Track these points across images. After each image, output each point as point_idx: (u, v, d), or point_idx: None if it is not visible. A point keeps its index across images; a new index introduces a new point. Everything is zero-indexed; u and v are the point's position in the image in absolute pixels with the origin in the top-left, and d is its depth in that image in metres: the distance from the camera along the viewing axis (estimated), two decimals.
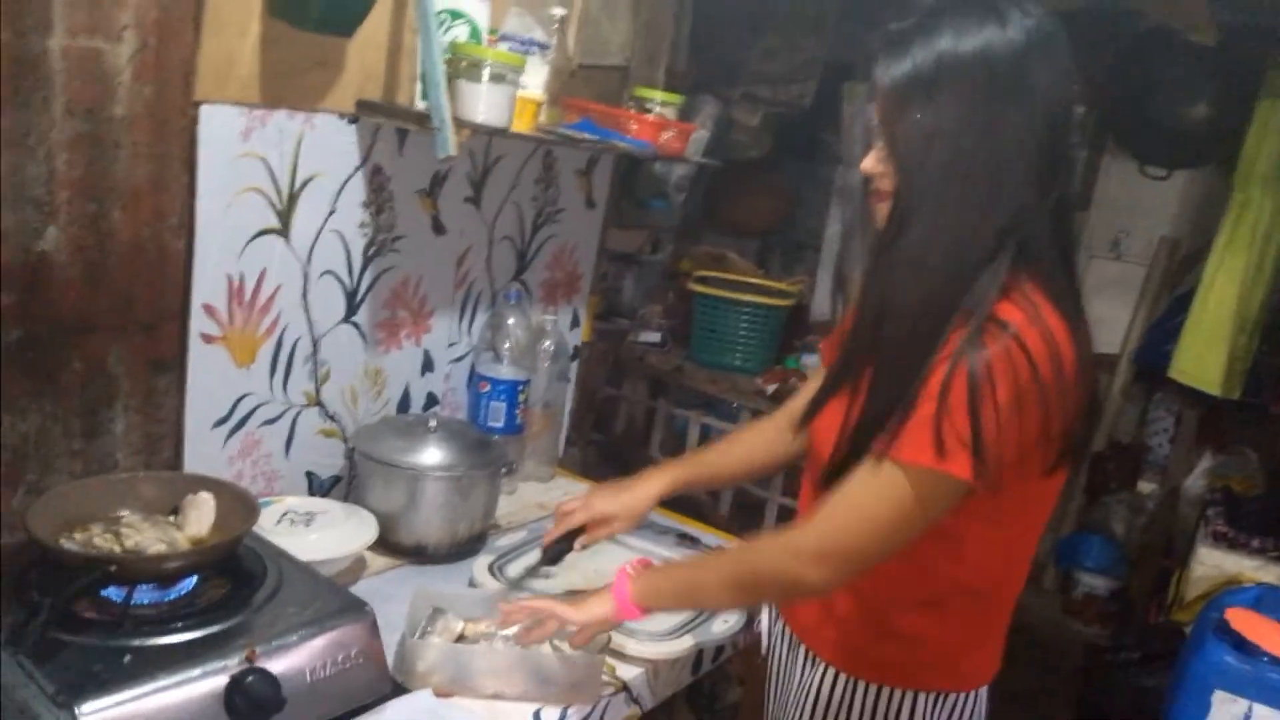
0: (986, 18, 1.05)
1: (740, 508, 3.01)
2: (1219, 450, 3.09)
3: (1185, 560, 2.47)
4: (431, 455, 1.59)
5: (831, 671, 1.25)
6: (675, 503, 2.21)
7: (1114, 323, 3.53)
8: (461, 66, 1.44)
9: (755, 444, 1.50)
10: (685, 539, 1.80)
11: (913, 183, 1.08)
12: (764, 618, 1.45)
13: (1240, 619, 1.77)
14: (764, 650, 1.43)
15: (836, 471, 1.12)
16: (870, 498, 1.08)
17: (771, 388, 2.81)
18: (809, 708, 1.27)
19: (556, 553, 1.46)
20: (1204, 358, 2.50)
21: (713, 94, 2.86)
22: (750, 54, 2.93)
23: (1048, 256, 1.08)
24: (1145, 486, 3.62)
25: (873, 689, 1.22)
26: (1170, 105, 3.13)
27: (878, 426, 1.08)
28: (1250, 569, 2.11)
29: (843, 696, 1.24)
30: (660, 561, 1.37)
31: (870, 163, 1.13)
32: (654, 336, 3.10)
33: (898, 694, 1.21)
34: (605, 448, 3.17)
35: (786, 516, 2.88)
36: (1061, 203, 1.09)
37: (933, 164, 1.06)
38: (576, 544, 1.46)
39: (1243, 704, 1.72)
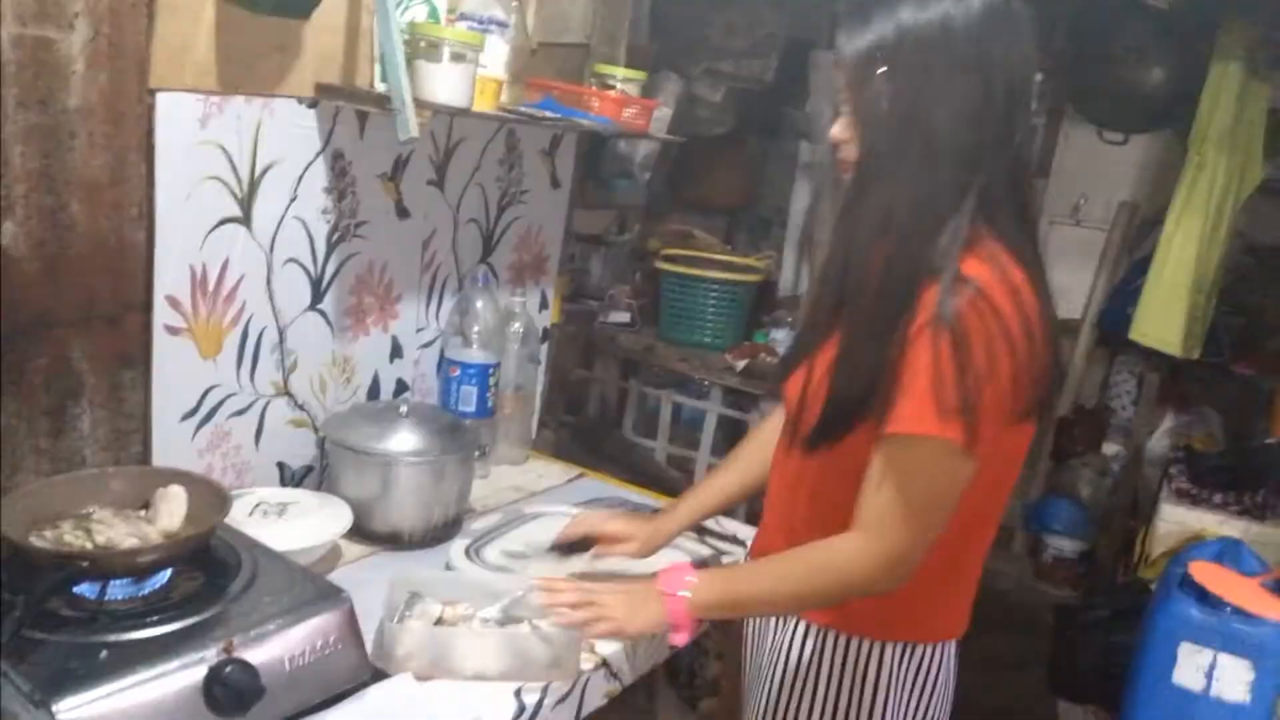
0: None
1: None
2: (1180, 410, 3.15)
3: (1150, 519, 2.52)
4: (404, 441, 1.58)
5: (803, 626, 1.28)
6: (652, 476, 2.22)
7: (1075, 288, 3.58)
8: (420, 47, 1.43)
9: (761, 449, 1.48)
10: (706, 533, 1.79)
11: (874, 148, 1.13)
12: None
13: (1203, 572, 1.82)
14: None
15: (816, 437, 1.17)
16: (903, 490, 1.11)
17: (742, 363, 2.82)
18: (782, 664, 1.30)
19: (568, 550, 1.50)
20: (1163, 319, 2.55)
21: (674, 71, 2.85)
22: (711, 30, 2.93)
23: (1006, 215, 1.12)
24: (1110, 449, 3.68)
25: (843, 639, 1.25)
26: (1126, 70, 3.17)
27: (861, 393, 1.11)
28: (1213, 524, 2.16)
29: (815, 649, 1.27)
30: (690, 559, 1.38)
31: (837, 130, 1.17)
32: (623, 317, 3.10)
33: (867, 644, 1.25)
34: (578, 430, 3.17)
35: (761, 493, 2.89)
36: (1017, 164, 1.15)
37: (893, 129, 1.10)
38: (590, 553, 1.47)
39: (1208, 654, 1.76)
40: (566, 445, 2.76)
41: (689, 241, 3.23)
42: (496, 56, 1.57)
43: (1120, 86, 3.18)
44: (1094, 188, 3.61)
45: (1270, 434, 2.82)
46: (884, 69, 1.10)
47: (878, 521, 1.13)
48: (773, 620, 1.33)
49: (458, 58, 1.43)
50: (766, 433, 1.47)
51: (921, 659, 1.26)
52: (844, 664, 1.26)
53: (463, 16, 1.56)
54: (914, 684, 1.26)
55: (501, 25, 1.57)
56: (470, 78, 1.46)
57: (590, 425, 3.22)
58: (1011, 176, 1.13)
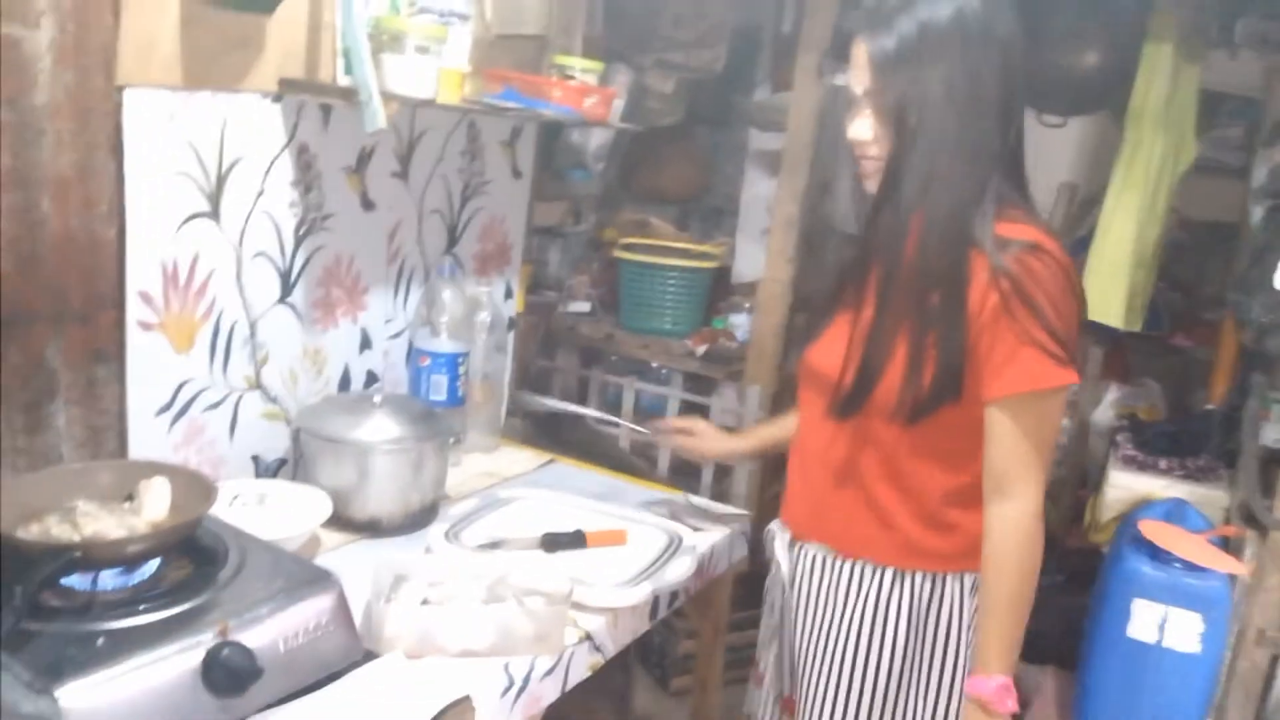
0: None
1: (675, 469, 3.08)
2: (1124, 382, 3.25)
3: (1099, 487, 2.61)
4: (380, 429, 1.60)
5: (889, 573, 1.37)
6: (616, 463, 2.26)
7: None
8: (385, 40, 1.45)
9: None
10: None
11: (908, 139, 1.23)
12: (780, 553, 1.50)
13: (1152, 530, 1.90)
14: (786, 583, 1.49)
15: (852, 401, 1.31)
16: (1033, 439, 1.25)
17: (702, 349, 2.87)
18: (869, 610, 1.38)
19: (555, 544, 1.59)
20: (1106, 294, 2.62)
21: (625, 62, 2.88)
22: (659, 20, 2.96)
23: (1017, 183, 1.28)
24: None
25: (926, 577, 1.36)
26: (1061, 54, 3.25)
27: (946, 373, 1.24)
28: (1159, 488, 2.24)
29: (899, 590, 1.37)
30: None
31: (859, 130, 1.29)
32: (583, 306, 3.13)
33: (941, 578, 1.37)
34: (541, 419, 3.19)
35: (723, 475, 2.94)
36: (1019, 136, 1.29)
37: (924, 123, 1.22)
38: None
39: (1160, 609, 1.84)
40: (531, 434, 2.79)
41: (645, 230, 3.26)
42: (459, 48, 1.59)
43: (1056, 70, 3.25)
44: (1035, 170, 3.69)
45: (1209, 402, 2.94)
46: (912, 65, 1.21)
47: (1020, 480, 1.25)
48: (845, 576, 1.41)
49: (421, 50, 1.45)
50: None
51: (972, 584, 1.36)
52: (928, 601, 1.36)
53: (423, 10, 1.58)
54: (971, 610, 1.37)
55: (462, 17, 1.59)
56: (434, 70, 1.49)
57: (553, 414, 3.24)
58: (1016, 148, 1.28)
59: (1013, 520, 1.26)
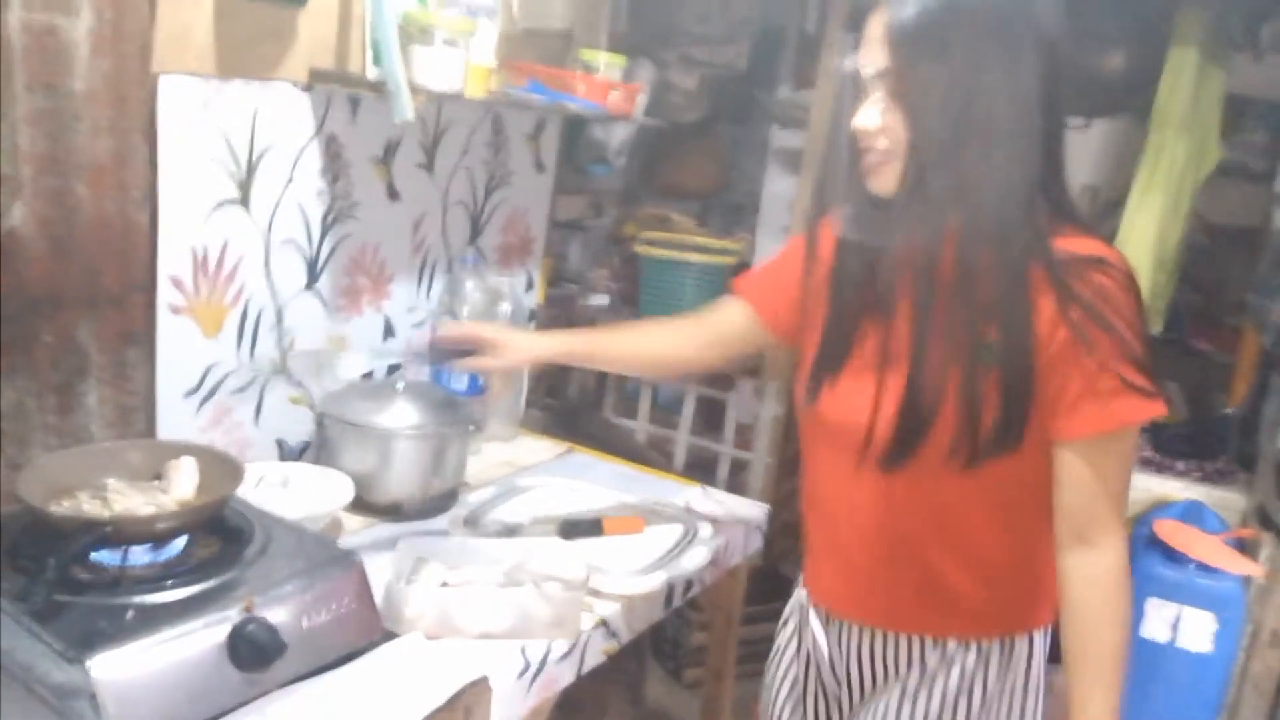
0: None
1: (691, 465, 3.09)
2: None
3: None
4: (403, 415, 1.63)
5: (953, 645, 1.22)
6: (633, 457, 2.28)
7: None
8: (413, 33, 1.47)
9: (665, 341, 1.47)
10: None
11: (932, 132, 1.05)
12: (818, 633, 1.33)
13: (1167, 530, 1.90)
14: (826, 663, 1.33)
15: (898, 451, 1.13)
16: (1116, 480, 1.10)
17: None
18: (943, 692, 1.22)
19: (572, 531, 1.58)
20: None
21: (649, 57, 2.90)
22: (683, 16, 2.97)
23: (1062, 192, 1.10)
24: None
25: (995, 644, 1.22)
26: (1086, 56, 3.25)
27: (1005, 412, 1.08)
28: (1176, 489, 2.24)
29: (968, 661, 1.22)
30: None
31: (866, 118, 1.09)
32: (603, 300, 3.15)
33: (1009, 642, 1.22)
34: (559, 412, 3.22)
35: (739, 470, 2.96)
36: (1060, 138, 1.11)
37: (956, 107, 1.03)
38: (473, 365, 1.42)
39: (1174, 608, 1.85)
40: (549, 426, 2.81)
41: (666, 225, 3.28)
42: (486, 42, 1.61)
43: (1079, 72, 3.24)
44: None
45: (1228, 406, 2.93)
46: (935, 39, 1.04)
47: (1104, 527, 1.10)
48: (877, 651, 1.26)
49: (449, 43, 1.48)
50: (683, 331, 1.45)
51: (1037, 643, 1.25)
52: (985, 669, 1.22)
53: (451, 3, 1.60)
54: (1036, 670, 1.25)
55: (490, 12, 1.61)
56: (462, 63, 1.51)
57: (571, 407, 3.26)
58: (1058, 154, 1.10)
59: (1102, 570, 1.11)
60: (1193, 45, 2.36)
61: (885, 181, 1.11)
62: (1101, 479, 1.09)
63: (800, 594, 1.38)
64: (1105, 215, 3.62)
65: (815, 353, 1.23)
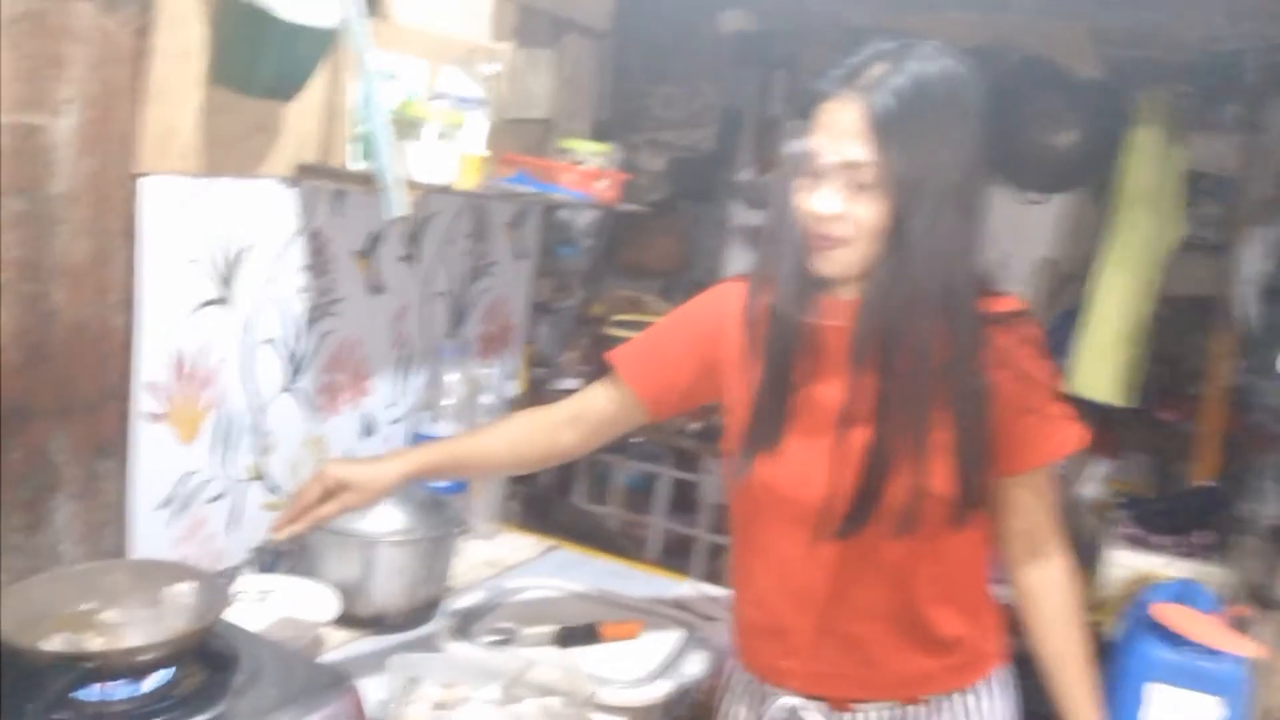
0: (926, 49, 1.12)
1: (666, 550, 3.03)
2: (1113, 457, 3.27)
3: (1092, 564, 2.60)
4: (388, 520, 1.56)
5: (898, 710, 1.27)
6: (605, 543, 2.22)
7: None
8: (404, 127, 1.44)
9: (526, 435, 1.42)
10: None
11: (910, 213, 1.09)
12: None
13: (1165, 614, 1.88)
14: None
15: (862, 512, 1.18)
16: (1051, 496, 1.26)
17: (696, 425, 2.84)
18: None
19: (569, 639, 1.52)
20: (1097, 370, 2.65)
21: (617, 140, 2.91)
22: (651, 101, 2.99)
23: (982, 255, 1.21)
24: None
25: (937, 702, 1.28)
26: (1040, 134, 3.33)
27: (976, 450, 1.17)
28: (1159, 566, 2.24)
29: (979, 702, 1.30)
30: None
31: (826, 204, 1.11)
32: (573, 383, 3.09)
33: (948, 699, 1.28)
34: (529, 498, 3.15)
35: (718, 554, 2.90)
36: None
37: (927, 180, 1.09)
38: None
39: (1176, 693, 1.82)
40: (524, 517, 2.74)
41: (637, 306, 3.26)
42: (476, 133, 1.58)
43: (1037, 150, 3.33)
44: (1018, 245, 3.76)
45: (1192, 475, 2.95)
46: (914, 124, 1.08)
47: (1054, 539, 1.26)
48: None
49: (442, 136, 1.45)
50: (541, 422, 1.42)
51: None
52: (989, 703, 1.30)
53: (441, 95, 1.57)
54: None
55: (480, 103, 1.59)
56: (453, 156, 1.48)
57: (541, 494, 3.19)
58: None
59: (1060, 574, 1.26)
60: (1157, 124, 2.43)
61: (835, 265, 1.15)
62: (1045, 500, 1.25)
63: (743, 676, 1.35)
64: (1063, 287, 3.69)
65: (747, 423, 1.24)
